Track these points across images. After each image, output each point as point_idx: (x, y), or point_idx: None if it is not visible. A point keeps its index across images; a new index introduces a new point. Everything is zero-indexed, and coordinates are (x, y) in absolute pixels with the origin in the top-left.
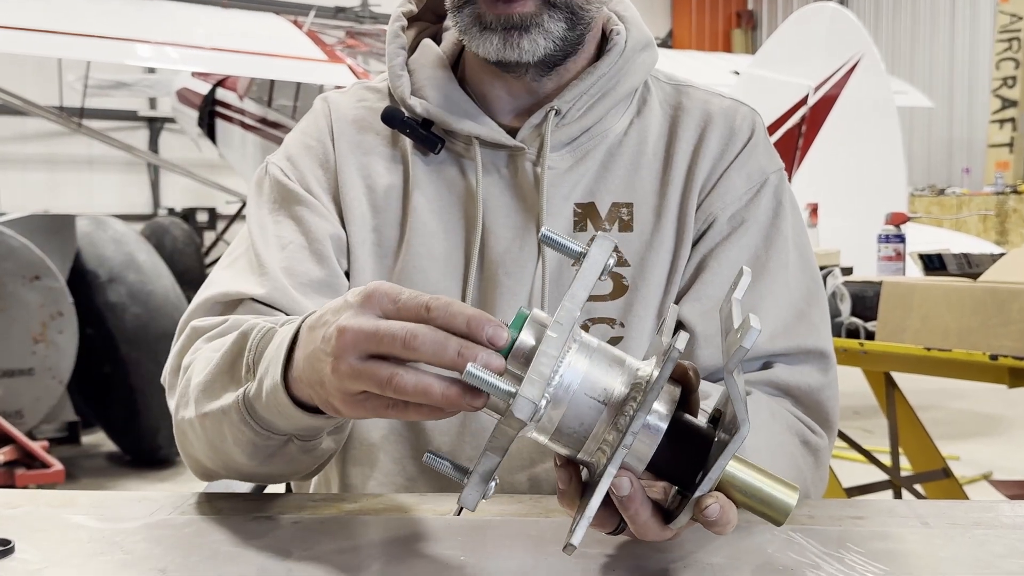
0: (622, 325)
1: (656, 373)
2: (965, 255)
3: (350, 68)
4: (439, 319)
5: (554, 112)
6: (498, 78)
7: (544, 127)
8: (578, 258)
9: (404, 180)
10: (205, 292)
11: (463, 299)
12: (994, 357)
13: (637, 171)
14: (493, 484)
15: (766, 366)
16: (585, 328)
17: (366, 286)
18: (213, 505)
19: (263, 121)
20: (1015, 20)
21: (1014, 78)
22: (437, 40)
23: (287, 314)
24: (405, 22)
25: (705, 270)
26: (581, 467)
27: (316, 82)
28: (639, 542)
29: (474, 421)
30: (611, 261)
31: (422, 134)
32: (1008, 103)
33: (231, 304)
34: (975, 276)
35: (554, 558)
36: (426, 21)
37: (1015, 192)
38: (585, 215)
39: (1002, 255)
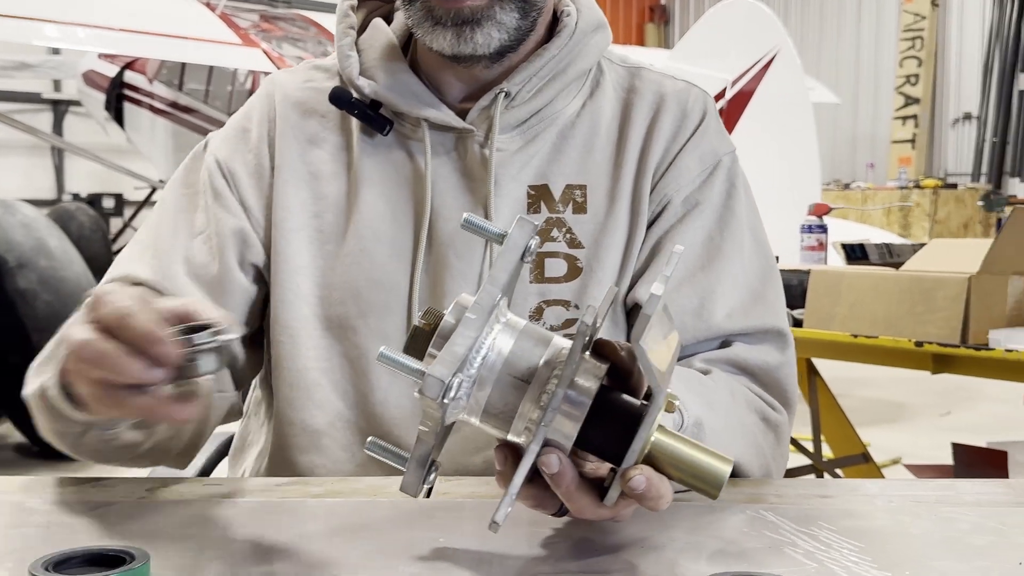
0: (577, 307)
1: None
2: (887, 245)
3: (265, 53)
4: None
5: (503, 94)
6: (446, 65)
7: (493, 109)
8: (499, 240)
9: (349, 163)
10: (108, 274)
11: (411, 282)
12: (919, 344)
13: (590, 153)
14: (434, 469)
15: (724, 344)
16: (539, 311)
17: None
18: (178, 489)
19: (174, 105)
20: (918, 19)
21: (917, 76)
22: (388, 19)
23: None
24: (355, 1)
25: (660, 252)
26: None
27: (229, 66)
28: (609, 525)
29: None
30: (532, 243)
31: (370, 115)
32: (911, 100)
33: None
34: (897, 265)
35: (523, 540)
36: (377, 0)
37: (918, 187)
38: (539, 197)
39: (923, 245)
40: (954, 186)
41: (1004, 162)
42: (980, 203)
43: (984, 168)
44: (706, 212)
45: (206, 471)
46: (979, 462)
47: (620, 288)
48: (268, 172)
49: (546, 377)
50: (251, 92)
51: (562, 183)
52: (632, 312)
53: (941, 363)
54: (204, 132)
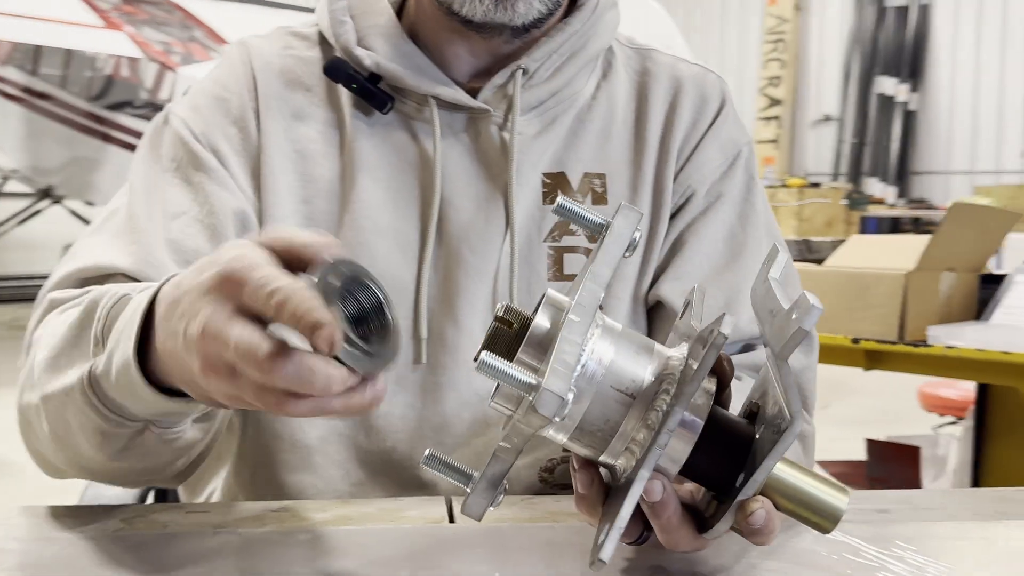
0: (600, 308)
1: (696, 363)
2: (806, 241)
3: (130, 36)
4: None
5: (521, 72)
6: (460, 35)
7: (511, 88)
8: (599, 231)
9: (341, 143)
10: (67, 265)
11: (419, 279)
12: (856, 340)
13: (608, 139)
14: (503, 490)
15: (746, 348)
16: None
17: (222, 260)
18: (158, 518)
19: (27, 91)
20: (781, 22)
21: (779, 77)
22: None
23: None
24: None
25: (684, 246)
26: (601, 468)
27: (89, 49)
28: (683, 554)
29: (434, 415)
30: (637, 235)
31: (371, 90)
32: (774, 102)
33: (97, 280)
34: (818, 261)
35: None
36: None
37: (784, 186)
38: (555, 186)
39: (842, 241)
40: (817, 185)
41: (862, 162)
42: (844, 202)
43: (843, 168)
44: (727, 205)
45: (142, 495)
46: (891, 457)
47: (643, 284)
48: (255, 149)
49: (654, 392)
50: (112, 77)
51: (580, 171)
52: (654, 310)
53: (875, 360)
54: (61, 119)
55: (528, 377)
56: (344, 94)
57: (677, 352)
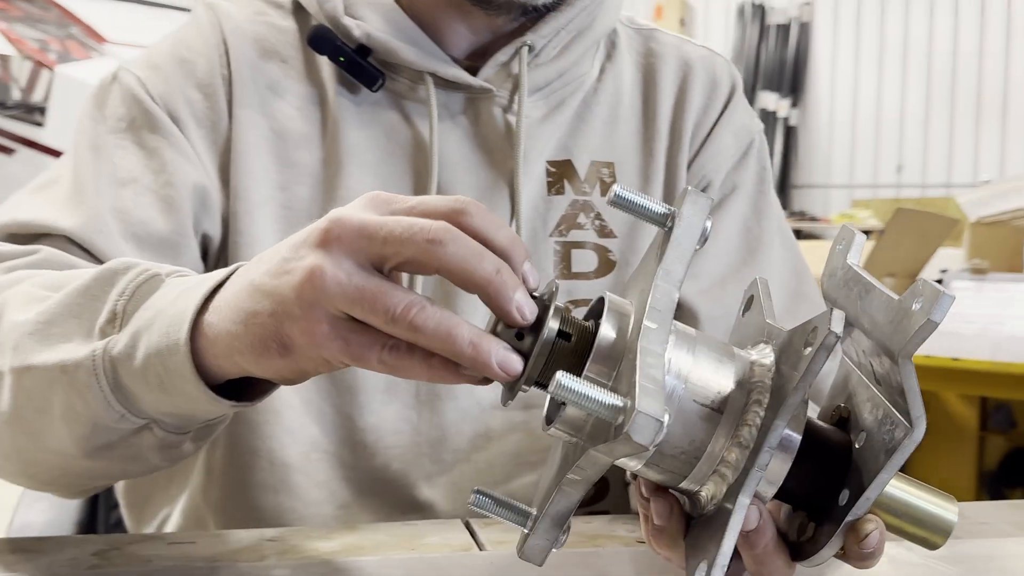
0: None
1: (797, 370)
2: None
3: (2, 32)
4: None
5: (527, 49)
6: (459, 10)
7: (517, 67)
8: (664, 222)
9: (324, 123)
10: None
11: (412, 277)
12: None
13: (615, 125)
14: (567, 530)
15: None
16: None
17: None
18: (137, 552)
19: None
20: None
21: None
22: None
23: (101, 262)
24: None
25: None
26: (680, 496)
27: None
28: None
29: (431, 427)
30: (708, 224)
31: (360, 65)
32: None
33: (30, 238)
34: None
35: None
36: None
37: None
38: (561, 175)
39: None
40: None
41: None
42: None
43: None
44: (742, 197)
45: (81, 521)
46: None
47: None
48: (225, 120)
49: (743, 404)
50: None
51: (587, 159)
52: None
53: None
54: None
55: (615, 400)
56: (326, 69)
57: (758, 355)
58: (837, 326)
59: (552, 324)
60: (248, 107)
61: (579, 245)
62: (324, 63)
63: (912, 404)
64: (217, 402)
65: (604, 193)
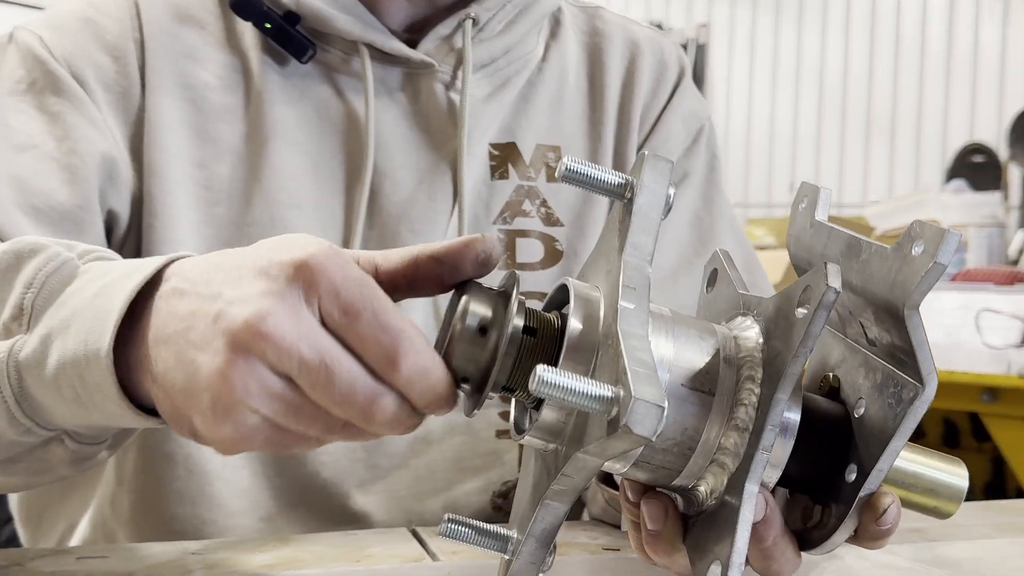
0: None
1: (795, 338)
2: None
3: None
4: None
5: (471, 22)
6: None
7: (460, 40)
8: (622, 192)
9: (247, 96)
10: None
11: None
12: None
13: (561, 106)
14: (554, 551)
15: None
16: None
17: (299, 257)
18: (40, 567)
19: None
20: None
21: None
22: None
23: None
24: None
25: None
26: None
27: None
28: None
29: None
30: (671, 191)
31: (288, 33)
32: None
33: None
34: None
35: None
36: None
37: None
38: (505, 158)
39: None
40: None
41: None
42: None
43: None
44: (692, 185)
45: None
46: None
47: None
48: (137, 88)
49: (733, 383)
50: None
51: (532, 142)
52: None
53: None
54: None
55: (606, 390)
56: (249, 36)
57: (738, 329)
58: (835, 280)
59: (517, 321)
60: (163, 75)
61: (524, 233)
62: (247, 30)
63: (922, 360)
64: (144, 420)
65: (551, 179)
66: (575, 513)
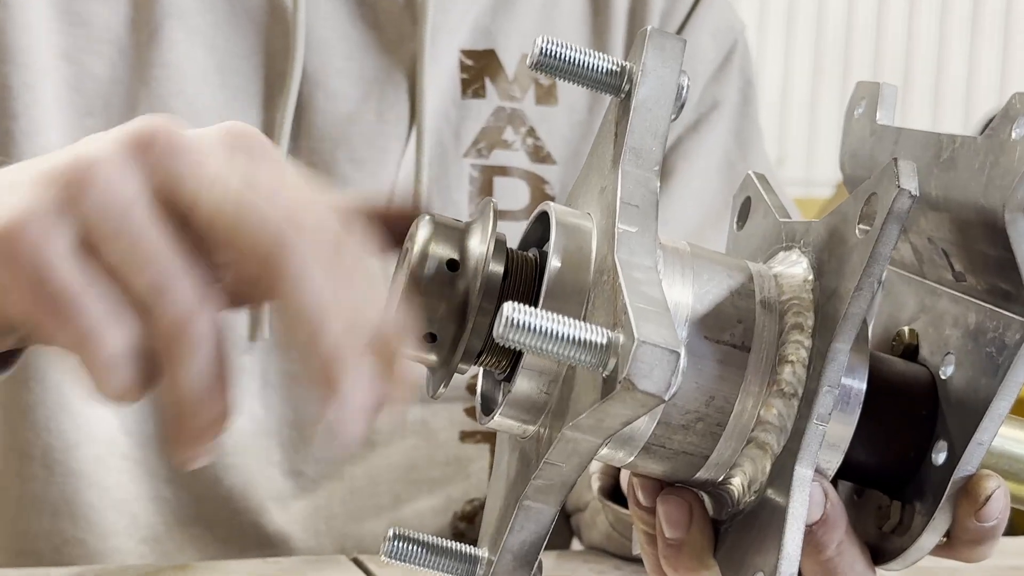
0: None
1: (858, 266)
2: None
3: None
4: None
5: None
6: None
7: None
8: (616, 84)
9: None
10: None
11: None
12: None
13: (555, 8)
14: (539, 569)
15: None
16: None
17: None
18: None
19: None
20: None
21: None
22: None
23: None
24: None
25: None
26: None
27: None
28: None
29: (287, 427)
30: (685, 81)
31: None
32: None
33: None
34: None
35: None
36: None
37: None
38: (481, 71)
39: None
40: None
41: None
42: None
43: None
44: (723, 119)
45: None
46: None
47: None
48: None
49: (775, 334)
50: None
51: (517, 51)
52: None
53: None
54: None
55: (596, 333)
56: None
57: (781, 265)
58: (909, 179)
59: (495, 266)
60: None
61: (504, 171)
62: None
63: None
64: None
65: (541, 100)
66: (563, 541)
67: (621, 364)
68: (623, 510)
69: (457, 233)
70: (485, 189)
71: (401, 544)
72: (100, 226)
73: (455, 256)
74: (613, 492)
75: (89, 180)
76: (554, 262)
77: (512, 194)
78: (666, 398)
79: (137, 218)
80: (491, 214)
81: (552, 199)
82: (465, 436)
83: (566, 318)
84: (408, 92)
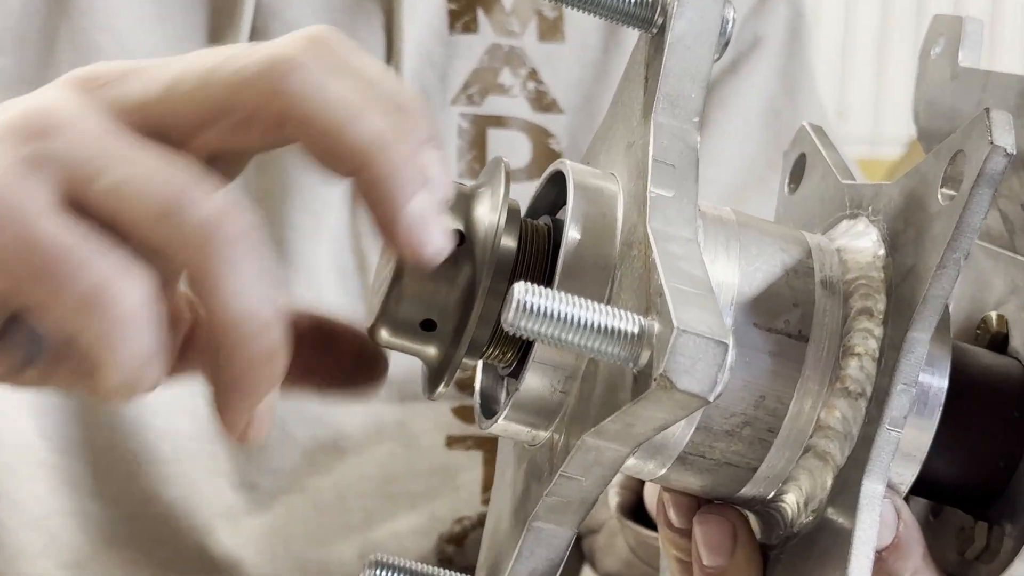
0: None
1: (941, 237)
2: None
3: None
4: None
5: None
6: None
7: None
8: (647, 17)
9: None
10: None
11: None
12: None
13: None
14: None
15: None
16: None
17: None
18: None
19: None
20: None
21: None
22: None
23: None
24: None
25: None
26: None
27: None
28: None
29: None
30: (729, 13)
31: None
32: None
33: None
34: None
35: None
36: None
37: None
38: (471, 3)
39: None
40: None
41: None
42: None
43: None
44: (766, 58)
45: None
46: None
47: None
48: None
49: (838, 320)
50: None
51: None
52: None
53: None
54: None
55: (627, 321)
56: None
57: (844, 238)
58: (1003, 134)
59: (507, 240)
60: None
61: (501, 122)
62: None
63: None
64: None
65: (545, 36)
66: (572, 569)
67: (656, 358)
68: (648, 532)
69: (463, 199)
70: (477, 143)
71: (384, 574)
72: (81, 169)
73: (460, 227)
74: (635, 510)
75: (52, 125)
76: (572, 233)
77: (510, 149)
78: (711, 399)
79: (116, 145)
80: (502, 176)
81: (559, 155)
82: (453, 441)
83: (589, 302)
84: (383, 25)
